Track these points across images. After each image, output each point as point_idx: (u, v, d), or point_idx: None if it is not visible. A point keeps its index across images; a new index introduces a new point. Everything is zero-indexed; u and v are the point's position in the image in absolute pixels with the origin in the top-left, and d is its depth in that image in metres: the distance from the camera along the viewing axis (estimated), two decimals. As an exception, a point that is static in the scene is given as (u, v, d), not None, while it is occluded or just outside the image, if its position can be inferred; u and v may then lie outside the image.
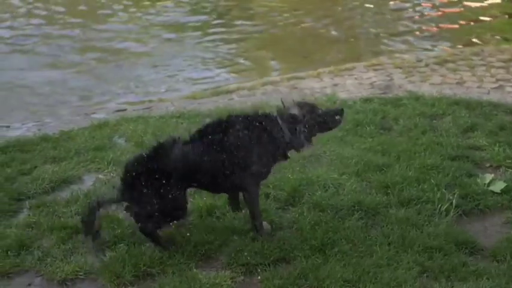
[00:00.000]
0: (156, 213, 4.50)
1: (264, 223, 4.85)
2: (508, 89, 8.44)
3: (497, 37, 11.86)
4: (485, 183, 5.56)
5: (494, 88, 8.48)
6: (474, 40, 11.64)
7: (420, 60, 9.78)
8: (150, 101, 8.98)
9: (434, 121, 7.06)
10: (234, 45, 11.97)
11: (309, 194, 5.37)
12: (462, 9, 14.00)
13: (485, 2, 14.32)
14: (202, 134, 4.63)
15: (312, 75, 9.31)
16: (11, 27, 13.06)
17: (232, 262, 4.51)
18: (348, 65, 9.75)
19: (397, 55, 10.86)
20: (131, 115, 7.65)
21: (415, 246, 4.66)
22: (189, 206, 4.77)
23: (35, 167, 6.07)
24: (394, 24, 13.22)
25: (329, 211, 5.13)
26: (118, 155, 6.19)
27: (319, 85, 8.84)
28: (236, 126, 4.61)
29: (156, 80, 10.26)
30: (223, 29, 12.99)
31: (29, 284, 4.46)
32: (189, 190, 4.81)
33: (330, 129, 4.99)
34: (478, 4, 14.17)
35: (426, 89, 8.27)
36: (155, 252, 4.57)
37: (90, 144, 6.53)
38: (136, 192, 4.48)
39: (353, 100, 7.83)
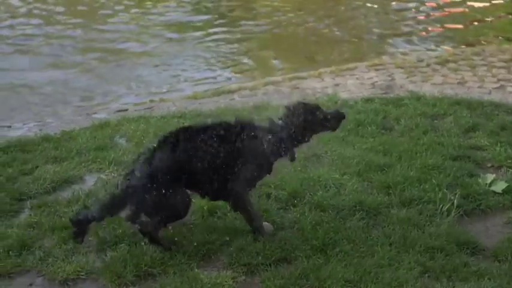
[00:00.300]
0: (156, 214, 4.50)
1: (266, 223, 4.85)
2: (509, 89, 8.43)
3: (500, 37, 11.84)
4: (486, 184, 5.56)
5: (495, 88, 8.47)
6: (478, 40, 11.62)
7: (421, 60, 9.77)
8: (152, 101, 8.98)
9: (435, 121, 7.06)
10: (236, 45, 11.97)
11: (310, 194, 5.37)
12: (466, 9, 13.99)
13: (489, 2, 14.30)
14: (197, 134, 4.64)
15: (314, 75, 9.30)
16: (11, 27, 13.06)
17: (233, 262, 4.51)
18: (350, 65, 9.73)
19: (398, 55, 10.87)
20: (132, 115, 7.65)
21: (416, 246, 4.66)
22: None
23: (36, 167, 6.06)
24: (398, 25, 13.21)
25: (330, 211, 5.13)
26: (119, 155, 6.19)
27: (320, 85, 8.83)
28: (230, 134, 4.62)
29: (158, 80, 10.25)
30: (225, 29, 12.98)
31: (30, 284, 4.46)
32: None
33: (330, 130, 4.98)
34: (481, 4, 14.15)
35: (427, 89, 8.26)
36: (156, 252, 4.57)
37: (91, 144, 6.53)
38: (136, 196, 4.48)
39: (354, 100, 7.82)
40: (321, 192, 5.38)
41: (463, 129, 6.79)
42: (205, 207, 5.13)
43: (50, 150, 6.47)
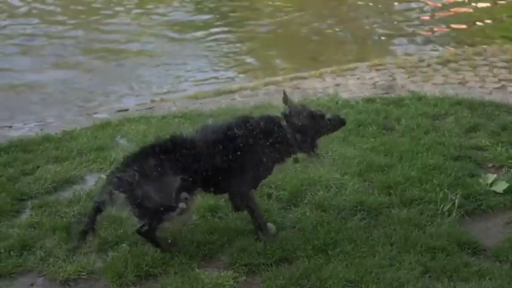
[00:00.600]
0: (154, 212, 4.48)
1: (269, 224, 4.85)
2: (511, 89, 8.41)
3: (504, 38, 11.83)
4: (487, 184, 5.56)
5: (496, 88, 8.47)
6: (482, 40, 11.61)
7: (422, 60, 9.77)
8: (153, 101, 8.98)
9: (436, 121, 7.06)
10: (239, 45, 11.97)
11: (311, 194, 5.37)
12: (470, 9, 13.99)
13: (493, 2, 14.30)
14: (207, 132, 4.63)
15: (314, 75, 9.30)
16: (12, 27, 13.07)
17: (234, 262, 4.52)
18: (351, 65, 9.73)
19: (399, 55, 10.87)
20: (133, 115, 7.66)
21: (417, 246, 4.66)
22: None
23: (38, 167, 6.07)
24: (401, 25, 13.20)
25: (331, 211, 5.13)
26: (120, 155, 6.18)
27: (321, 85, 8.83)
28: (240, 129, 4.60)
29: (160, 80, 10.26)
30: (228, 29, 12.98)
31: (32, 284, 4.47)
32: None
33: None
34: (485, 4, 14.15)
35: (428, 89, 8.26)
36: (157, 253, 4.57)
37: (92, 144, 6.54)
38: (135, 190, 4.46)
39: (355, 100, 7.82)
40: (322, 192, 5.39)
41: (464, 129, 6.79)
42: (206, 208, 5.13)
43: (51, 150, 6.47)
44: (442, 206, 5.18)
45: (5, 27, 13.08)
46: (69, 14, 13.98)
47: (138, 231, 4.60)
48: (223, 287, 4.29)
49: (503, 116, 7.19)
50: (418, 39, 12.19)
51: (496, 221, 5.18)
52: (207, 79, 10.29)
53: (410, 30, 12.79)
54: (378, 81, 8.86)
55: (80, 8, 14.47)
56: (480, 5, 14.14)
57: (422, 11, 14.05)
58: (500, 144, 6.32)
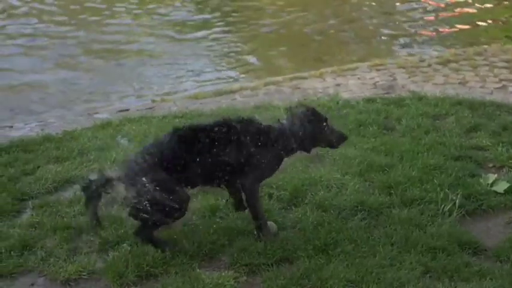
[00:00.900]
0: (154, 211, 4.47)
1: (270, 223, 4.85)
2: (511, 89, 8.42)
3: (508, 38, 11.83)
4: (488, 184, 5.55)
5: (497, 88, 8.47)
6: (487, 40, 11.61)
7: (423, 60, 9.77)
8: (153, 101, 8.99)
9: (437, 121, 7.06)
10: (240, 45, 11.97)
11: (312, 194, 5.37)
12: (475, 10, 13.99)
13: (498, 2, 14.31)
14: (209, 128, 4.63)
15: (315, 75, 9.30)
16: (12, 27, 13.07)
17: (235, 262, 4.51)
18: (351, 65, 9.74)
19: (400, 55, 10.87)
20: (134, 115, 7.66)
21: (418, 246, 4.66)
22: (191, 205, 4.78)
23: (38, 167, 6.07)
24: (404, 25, 13.21)
25: (332, 211, 5.13)
26: (121, 155, 6.19)
27: (321, 85, 8.83)
28: (246, 129, 4.62)
29: (161, 80, 10.28)
30: (230, 28, 12.99)
31: (32, 284, 4.47)
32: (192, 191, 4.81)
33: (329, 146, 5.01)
34: (489, 5, 14.15)
35: (429, 89, 8.26)
36: (158, 253, 4.57)
37: (93, 144, 6.54)
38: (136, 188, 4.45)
39: (356, 100, 7.82)
40: (322, 193, 5.39)
41: (464, 129, 6.79)
42: (206, 207, 5.14)
43: (52, 150, 6.47)
44: (442, 206, 5.18)
45: (5, 27, 13.09)
46: (70, 14, 13.99)
47: (136, 233, 4.60)
48: (223, 287, 4.29)
49: (504, 116, 7.19)
50: (421, 39, 12.19)
51: (497, 221, 5.18)
52: (209, 79, 10.31)
53: (413, 30, 12.81)
54: (378, 81, 8.86)
55: (80, 8, 14.48)
56: (484, 5, 14.14)
57: (426, 10, 14.06)
58: (501, 144, 6.32)
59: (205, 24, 13.21)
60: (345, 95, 8.16)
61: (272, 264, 4.49)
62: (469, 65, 9.44)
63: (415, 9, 14.30)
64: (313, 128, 4.77)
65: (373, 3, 14.69)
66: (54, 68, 10.78)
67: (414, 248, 4.64)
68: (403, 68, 9.40)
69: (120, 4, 14.54)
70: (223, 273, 4.40)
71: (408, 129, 6.77)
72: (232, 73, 10.71)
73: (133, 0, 14.84)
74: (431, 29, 12.87)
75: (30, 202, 5.47)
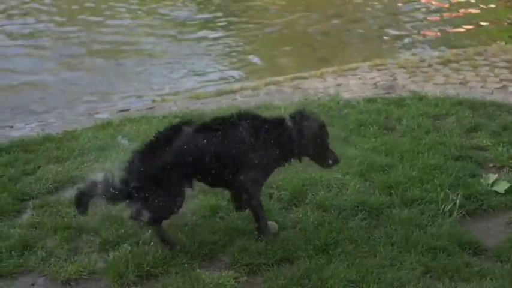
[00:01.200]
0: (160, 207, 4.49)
1: (272, 223, 4.85)
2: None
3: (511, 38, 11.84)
4: (488, 184, 5.55)
5: (497, 88, 8.47)
6: (487, 40, 11.62)
7: (423, 60, 9.77)
8: (154, 101, 8.99)
9: (437, 121, 7.06)
10: (242, 45, 11.96)
11: (312, 194, 5.37)
12: (478, 10, 13.99)
13: (500, 3, 14.32)
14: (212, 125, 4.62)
15: (315, 75, 9.30)
16: (12, 27, 13.07)
17: (235, 262, 4.51)
18: (352, 65, 9.74)
19: (402, 55, 10.87)
20: (134, 115, 7.66)
21: (418, 246, 4.66)
22: (192, 205, 4.78)
23: (39, 167, 6.07)
24: (407, 25, 13.20)
25: (332, 211, 5.13)
26: (121, 155, 6.19)
27: (322, 85, 8.83)
28: (248, 126, 4.60)
29: (161, 79, 10.28)
30: (233, 28, 12.99)
31: (33, 284, 4.47)
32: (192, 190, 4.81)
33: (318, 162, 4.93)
34: (492, 5, 14.16)
35: (429, 89, 8.26)
36: (158, 252, 4.57)
37: (93, 145, 6.54)
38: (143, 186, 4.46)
39: (356, 100, 7.82)
40: (323, 193, 5.39)
41: (465, 129, 6.79)
42: (207, 207, 5.14)
43: (52, 150, 6.47)
44: (443, 206, 5.18)
45: (5, 27, 13.09)
46: (71, 14, 13.99)
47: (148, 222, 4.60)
48: (224, 287, 4.29)
49: (505, 116, 7.19)
50: (425, 40, 12.18)
51: (497, 221, 5.18)
52: (211, 79, 10.31)
53: (416, 31, 12.80)
54: (379, 81, 8.86)
55: (81, 8, 14.48)
56: (488, 6, 14.14)
57: (429, 11, 14.05)
58: (501, 144, 6.32)
59: (206, 24, 13.21)
60: (345, 95, 8.16)
61: (273, 264, 4.49)
62: (470, 65, 9.44)
63: (418, 9, 14.30)
64: (316, 141, 4.73)
65: (376, 4, 14.68)
66: (54, 68, 10.77)
67: (415, 248, 4.64)
68: (404, 68, 9.40)
69: (120, 4, 14.54)
70: (223, 273, 4.40)
71: (409, 129, 6.77)
72: (234, 73, 10.71)
73: (134, 0, 14.83)
74: (436, 29, 12.87)
75: (30, 202, 5.47)
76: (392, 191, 5.43)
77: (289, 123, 4.71)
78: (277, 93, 8.54)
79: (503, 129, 6.76)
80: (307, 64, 10.55)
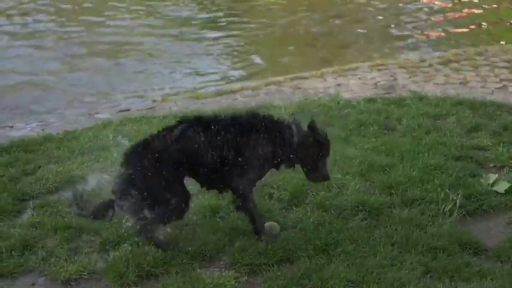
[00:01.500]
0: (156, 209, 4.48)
1: (274, 223, 4.85)
2: (512, 89, 8.44)
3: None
4: (489, 184, 5.55)
5: (498, 88, 8.48)
6: (490, 41, 11.61)
7: (424, 60, 9.77)
8: (154, 100, 8.99)
9: (437, 121, 7.06)
10: (245, 45, 11.97)
11: (313, 194, 5.37)
12: (481, 11, 13.98)
13: (503, 3, 14.31)
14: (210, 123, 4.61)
15: (316, 75, 9.30)
16: (13, 27, 13.07)
17: (235, 262, 4.51)
18: (352, 65, 9.75)
19: (403, 56, 10.87)
20: (135, 115, 7.66)
21: (418, 246, 4.65)
22: (192, 205, 4.78)
23: (39, 167, 6.07)
24: (409, 26, 13.21)
25: (332, 211, 5.13)
26: (122, 155, 6.18)
27: (322, 85, 8.83)
28: (248, 127, 4.60)
29: (162, 79, 10.28)
30: (234, 27, 12.99)
31: (33, 284, 4.47)
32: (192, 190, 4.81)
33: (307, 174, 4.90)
34: (495, 6, 14.16)
35: (430, 89, 8.26)
36: (159, 252, 4.57)
37: (93, 144, 6.54)
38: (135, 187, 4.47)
39: (357, 100, 7.82)
40: (323, 193, 5.38)
41: (465, 129, 6.79)
42: (207, 207, 5.14)
43: (53, 150, 6.47)
44: (443, 206, 5.18)
45: (5, 26, 13.09)
46: (71, 14, 14.00)
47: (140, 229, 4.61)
48: (224, 287, 4.29)
49: (505, 116, 7.19)
50: (428, 40, 12.18)
51: (498, 221, 5.18)
52: (213, 80, 10.32)
53: (418, 31, 12.80)
54: (379, 81, 8.86)
55: (81, 8, 14.48)
56: (491, 6, 14.14)
57: (432, 11, 14.05)
58: (501, 144, 6.32)
59: (207, 24, 13.22)
60: (345, 95, 8.16)
61: (273, 264, 4.49)
62: (470, 65, 9.45)
63: (420, 9, 14.30)
64: (314, 152, 4.71)
65: (379, 4, 14.68)
66: (54, 68, 10.78)
67: (415, 248, 4.64)
68: (404, 68, 9.41)
69: (121, 4, 14.55)
70: (223, 273, 4.40)
71: (409, 129, 6.77)
72: (236, 73, 10.71)
73: (134, 0, 14.84)
74: (439, 29, 12.87)
75: (30, 202, 5.47)
76: (393, 191, 5.42)
77: (293, 127, 4.70)
78: (277, 93, 8.54)
79: (503, 129, 6.76)
80: (309, 64, 10.55)
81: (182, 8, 14.49)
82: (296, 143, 4.66)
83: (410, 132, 6.70)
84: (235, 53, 11.60)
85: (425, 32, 12.69)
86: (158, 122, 7.21)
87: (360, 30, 12.98)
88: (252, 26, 13.14)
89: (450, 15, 13.78)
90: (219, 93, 8.81)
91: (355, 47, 12.22)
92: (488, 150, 6.31)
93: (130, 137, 6.77)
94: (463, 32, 12.67)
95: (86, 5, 14.62)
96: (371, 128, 6.78)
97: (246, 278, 4.42)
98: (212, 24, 13.26)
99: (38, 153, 6.42)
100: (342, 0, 15.06)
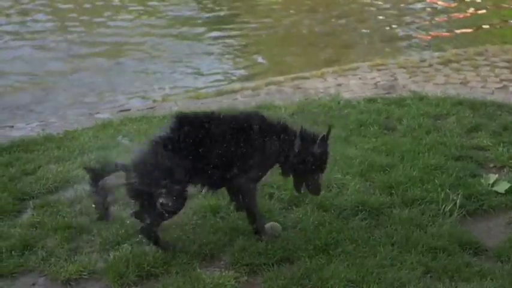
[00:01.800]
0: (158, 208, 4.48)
1: (275, 223, 4.85)
2: (512, 89, 8.44)
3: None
4: (489, 184, 5.55)
5: (498, 88, 8.47)
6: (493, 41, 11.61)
7: (424, 60, 9.77)
8: (155, 100, 8.99)
9: (438, 121, 7.06)
10: (247, 45, 11.96)
11: (313, 194, 5.37)
12: (484, 11, 13.99)
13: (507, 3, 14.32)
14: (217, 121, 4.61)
15: (316, 75, 9.30)
16: (12, 27, 13.07)
17: (236, 262, 4.51)
18: (352, 65, 9.74)
19: (405, 56, 10.87)
20: (135, 115, 7.66)
21: (418, 246, 4.65)
22: (192, 205, 4.78)
23: (39, 166, 6.07)
24: (412, 26, 13.20)
25: (333, 211, 5.13)
26: (122, 155, 6.19)
27: (322, 85, 8.83)
28: (255, 126, 4.60)
29: (162, 79, 10.28)
30: (236, 27, 12.99)
31: (33, 284, 4.46)
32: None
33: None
34: (497, 6, 14.15)
35: (430, 89, 8.26)
36: (159, 252, 4.57)
37: (94, 144, 6.54)
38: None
39: (357, 100, 7.82)
40: (323, 193, 5.37)
41: (465, 129, 6.79)
42: (207, 207, 5.14)
43: (53, 150, 6.47)
44: (443, 206, 5.18)
45: (4, 26, 13.09)
46: (72, 14, 14.00)
47: (141, 229, 4.61)
48: (224, 287, 4.29)
49: (505, 116, 7.19)
50: (430, 40, 12.18)
51: (498, 221, 5.18)
52: (213, 80, 10.31)
53: (420, 31, 12.80)
54: (379, 81, 8.86)
55: (82, 7, 14.49)
56: (494, 6, 14.14)
57: (436, 11, 14.05)
58: (501, 145, 6.32)
59: (208, 24, 13.21)
60: (346, 95, 8.16)
61: (273, 264, 4.49)
62: (470, 65, 9.45)
63: (424, 9, 14.30)
64: (314, 162, 4.71)
65: (382, 3, 14.67)
66: (55, 68, 10.78)
67: (415, 248, 4.64)
68: (404, 68, 9.41)
69: (121, 3, 14.55)
70: (224, 273, 4.40)
71: (409, 129, 6.77)
72: (237, 73, 10.71)
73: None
74: (443, 29, 12.87)
75: (31, 202, 5.46)
76: (393, 191, 5.42)
77: (299, 135, 4.69)
78: (277, 93, 8.54)
79: (503, 129, 6.76)
80: (311, 64, 10.53)
81: (183, 7, 14.49)
82: (301, 151, 4.66)
83: (410, 132, 6.70)
84: (237, 53, 11.61)
85: (430, 33, 12.69)
86: (158, 121, 7.22)
87: (363, 31, 12.97)
88: (253, 25, 13.14)
89: (453, 15, 13.78)
90: (219, 93, 8.81)
91: (359, 47, 12.21)
92: (489, 150, 6.31)
93: (131, 136, 6.79)
94: (467, 33, 12.66)
95: (86, 5, 14.62)
96: (371, 128, 6.78)
97: (246, 278, 4.41)
98: (213, 23, 13.25)
99: (38, 153, 6.42)
100: (345, 0, 15.06)
